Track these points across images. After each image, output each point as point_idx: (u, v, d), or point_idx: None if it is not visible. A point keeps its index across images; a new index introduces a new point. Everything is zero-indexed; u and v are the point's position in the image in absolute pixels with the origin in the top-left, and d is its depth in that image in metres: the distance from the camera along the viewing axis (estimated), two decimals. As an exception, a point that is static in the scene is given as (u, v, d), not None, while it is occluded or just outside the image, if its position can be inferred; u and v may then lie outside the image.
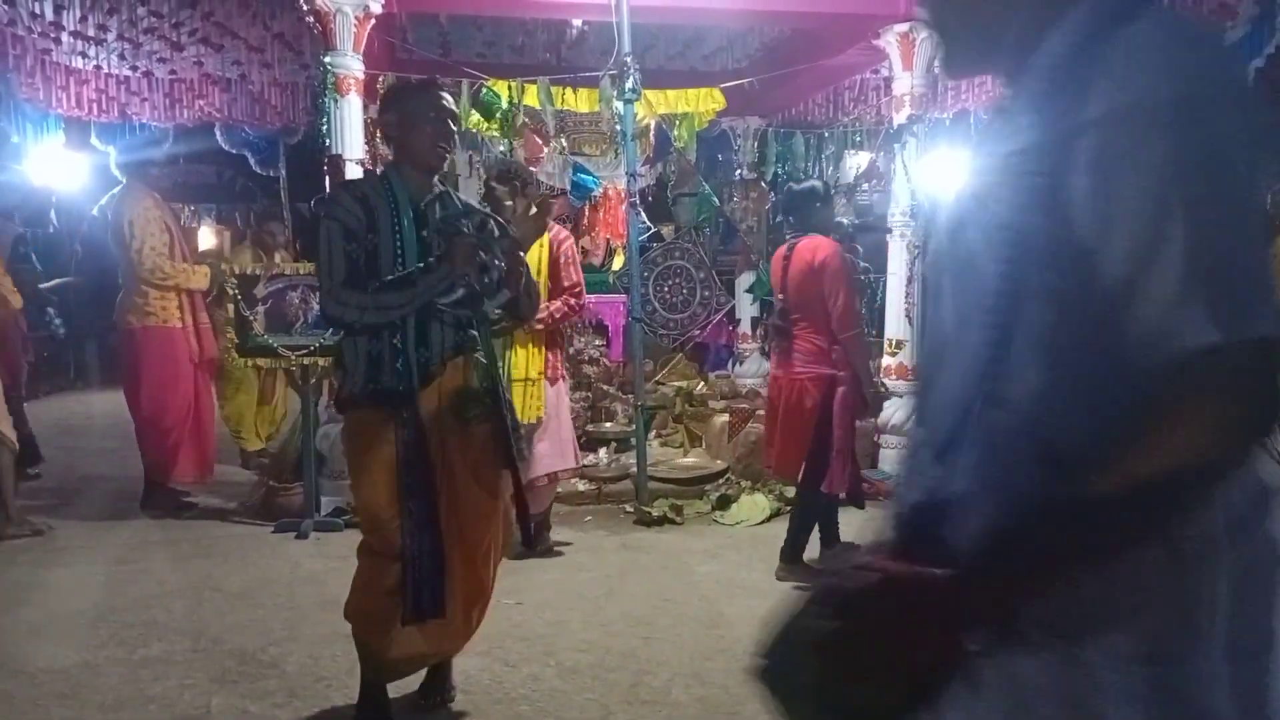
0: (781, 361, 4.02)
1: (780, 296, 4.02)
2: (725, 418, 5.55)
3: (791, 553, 3.92)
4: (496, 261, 2.52)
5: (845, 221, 4.08)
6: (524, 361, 4.06)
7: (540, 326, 4.01)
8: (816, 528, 3.99)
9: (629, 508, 4.89)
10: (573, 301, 4.12)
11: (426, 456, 2.54)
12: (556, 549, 4.26)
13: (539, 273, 4.03)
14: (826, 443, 3.83)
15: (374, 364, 2.53)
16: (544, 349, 4.11)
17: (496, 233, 2.62)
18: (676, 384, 6.41)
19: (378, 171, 2.53)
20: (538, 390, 4.07)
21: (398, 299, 2.47)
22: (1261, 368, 0.82)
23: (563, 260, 4.10)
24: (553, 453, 4.15)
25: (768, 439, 4.15)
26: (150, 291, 4.82)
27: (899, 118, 5.50)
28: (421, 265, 2.50)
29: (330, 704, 2.84)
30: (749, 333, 7.76)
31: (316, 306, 4.52)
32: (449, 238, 2.52)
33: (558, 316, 4.08)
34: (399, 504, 2.52)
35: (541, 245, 4.04)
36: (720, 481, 5.11)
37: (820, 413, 3.83)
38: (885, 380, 5.57)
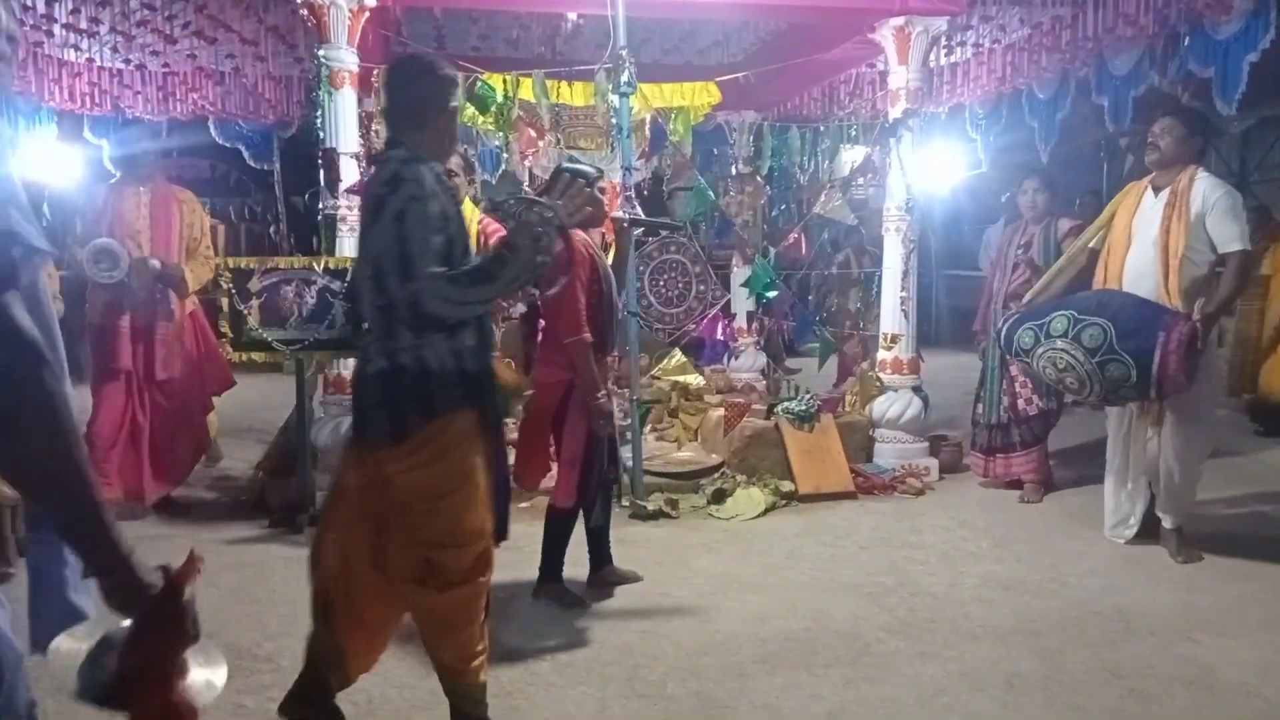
0: (534, 362, 3.75)
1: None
2: (721, 412, 5.55)
3: (547, 571, 3.62)
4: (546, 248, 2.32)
5: (621, 216, 3.99)
6: None
7: None
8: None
9: (624, 502, 4.88)
10: None
11: (504, 463, 2.54)
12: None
13: None
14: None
15: (461, 363, 2.35)
16: None
17: (550, 218, 2.33)
18: (672, 378, 6.41)
19: (404, 157, 2.28)
20: None
21: (484, 292, 2.30)
22: None
23: None
24: None
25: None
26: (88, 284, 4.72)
27: (894, 112, 5.49)
28: (493, 256, 2.33)
29: (326, 699, 2.83)
30: (744, 327, 7.76)
31: (311, 300, 4.50)
32: (520, 225, 2.30)
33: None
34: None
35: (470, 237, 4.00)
36: (716, 476, 5.11)
37: (557, 419, 3.51)
38: (881, 374, 5.58)
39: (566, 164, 3.72)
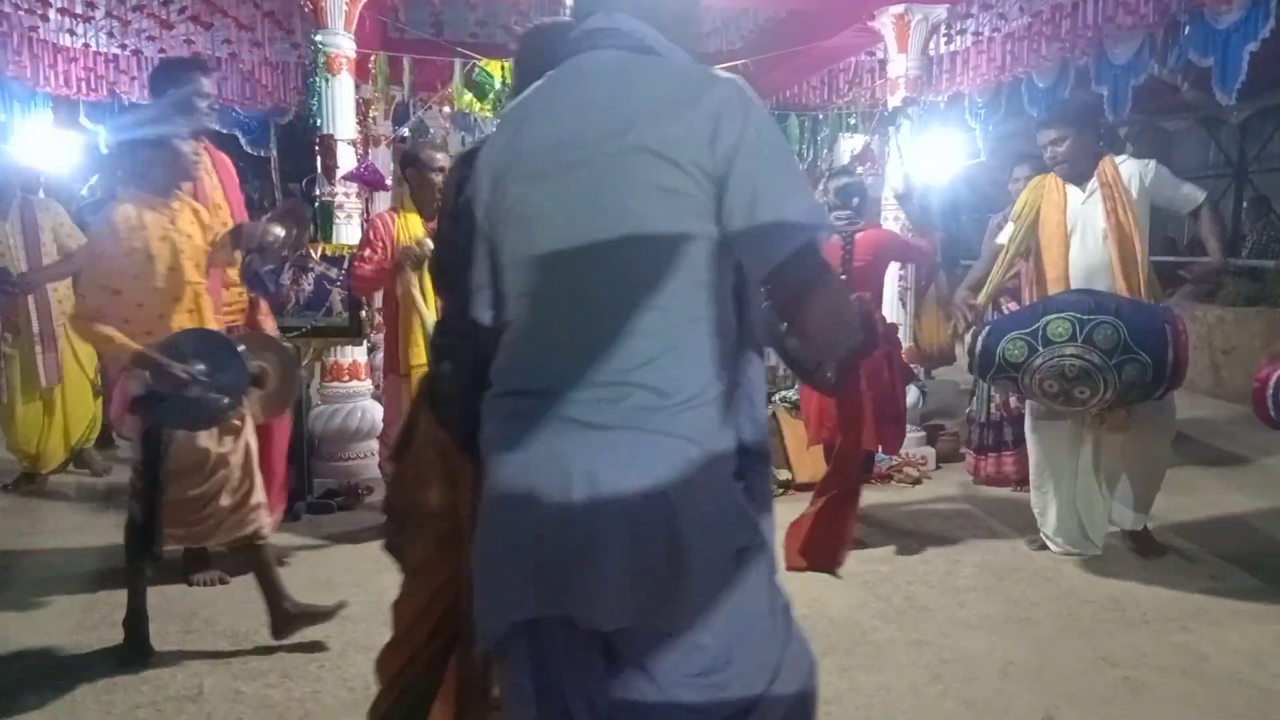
0: None
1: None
2: (718, 401, 5.55)
3: None
4: None
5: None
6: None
7: None
8: None
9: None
10: None
11: None
12: None
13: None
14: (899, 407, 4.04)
15: None
16: None
17: None
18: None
19: None
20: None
21: None
22: None
23: None
24: None
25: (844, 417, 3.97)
26: None
27: (894, 100, 5.48)
28: None
29: (323, 684, 2.84)
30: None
31: (308, 287, 4.49)
32: None
33: None
34: None
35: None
36: (713, 464, 5.12)
37: (893, 381, 3.98)
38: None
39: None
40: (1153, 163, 3.81)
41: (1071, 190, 3.80)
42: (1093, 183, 3.75)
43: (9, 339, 4.91)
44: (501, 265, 1.46)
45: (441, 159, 4.00)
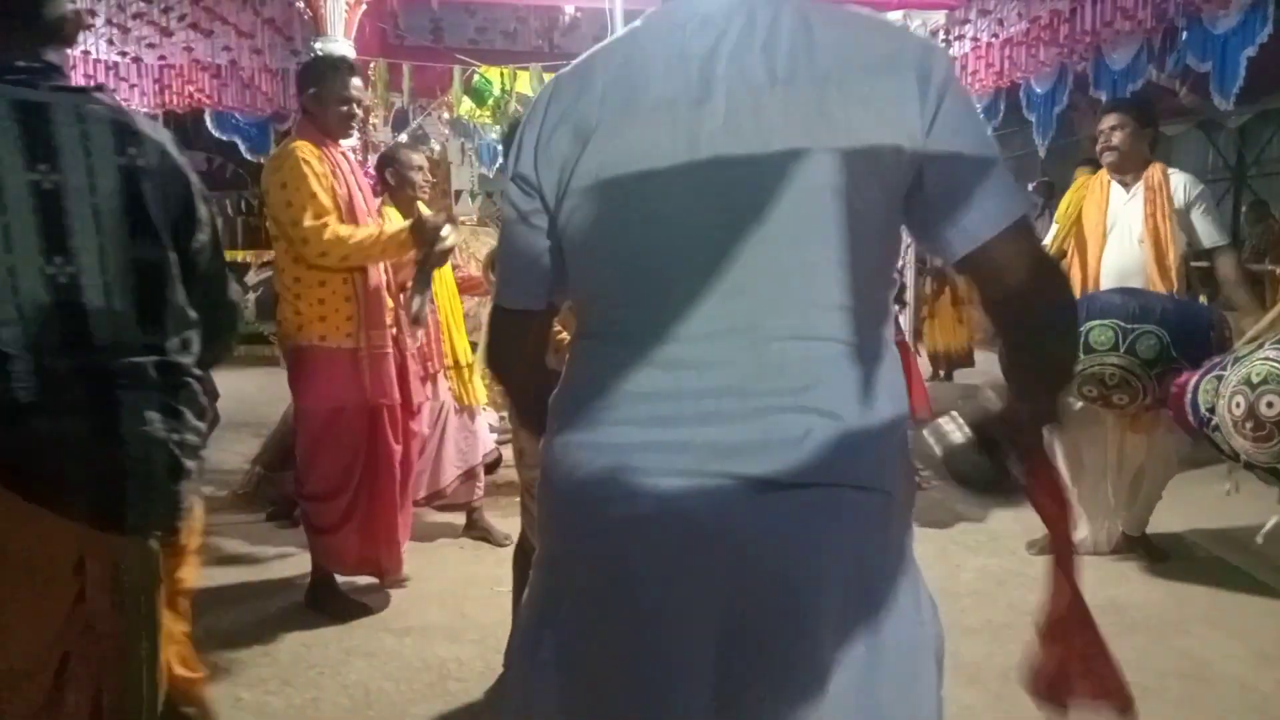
0: None
1: None
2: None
3: None
4: None
5: None
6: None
7: None
8: None
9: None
10: None
11: None
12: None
13: None
14: None
15: None
16: None
17: None
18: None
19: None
20: None
21: None
22: None
23: None
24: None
25: None
26: None
27: (892, 106, 5.48)
28: None
29: (323, 691, 2.84)
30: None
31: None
32: None
33: None
34: None
35: None
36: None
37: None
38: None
39: None
40: (1203, 185, 3.82)
41: (1115, 190, 3.81)
42: (1138, 185, 3.75)
43: None
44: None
45: (419, 158, 4.05)
